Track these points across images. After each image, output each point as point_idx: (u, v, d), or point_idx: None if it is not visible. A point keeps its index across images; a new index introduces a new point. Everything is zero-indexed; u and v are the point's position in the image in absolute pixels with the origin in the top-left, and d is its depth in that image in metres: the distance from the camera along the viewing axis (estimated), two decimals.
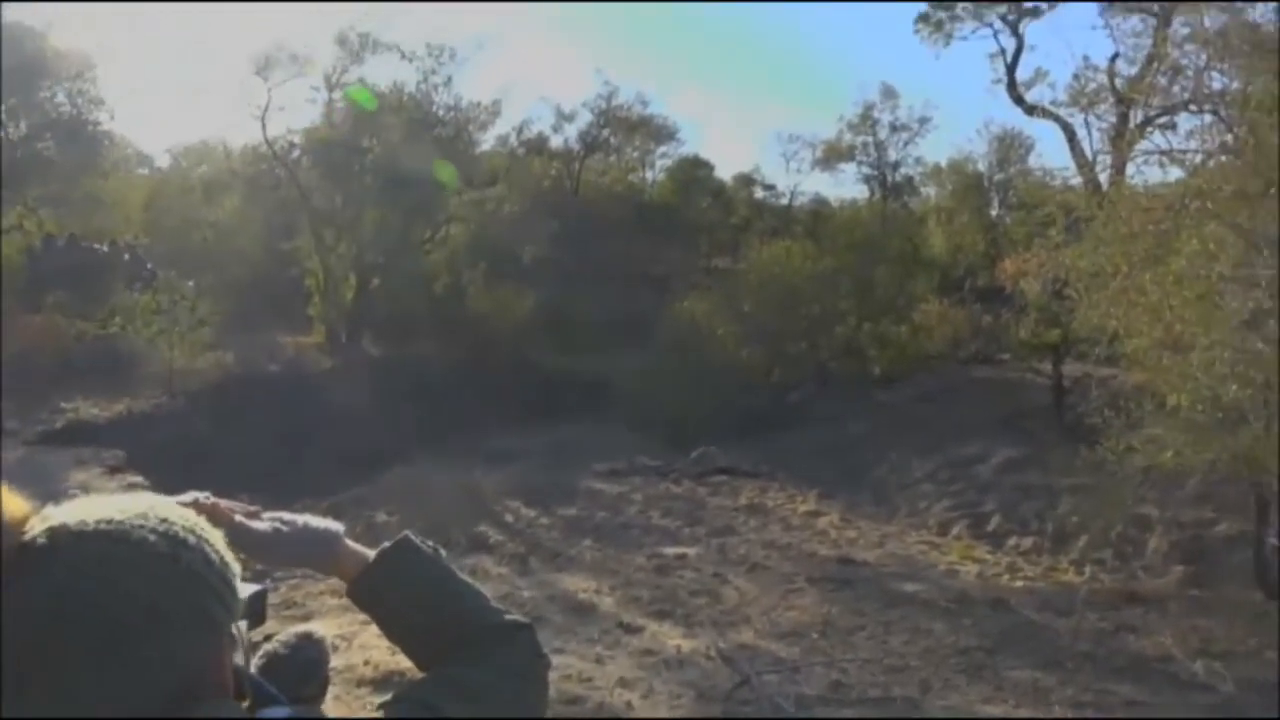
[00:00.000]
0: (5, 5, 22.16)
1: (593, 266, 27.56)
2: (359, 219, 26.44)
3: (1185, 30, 11.54)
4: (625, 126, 34.00)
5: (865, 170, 35.04)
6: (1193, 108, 10.50)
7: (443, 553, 1.18)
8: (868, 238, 26.59)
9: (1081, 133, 20.41)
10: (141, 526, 0.84)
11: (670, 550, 12.20)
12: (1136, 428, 10.27)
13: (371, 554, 1.16)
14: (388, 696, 1.02)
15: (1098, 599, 10.11)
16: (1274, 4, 9.53)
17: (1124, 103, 15.83)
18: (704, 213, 35.33)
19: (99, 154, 26.17)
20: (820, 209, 36.75)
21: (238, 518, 1.06)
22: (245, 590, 0.99)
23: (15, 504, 0.83)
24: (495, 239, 27.96)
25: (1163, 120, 11.91)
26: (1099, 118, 19.44)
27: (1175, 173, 10.59)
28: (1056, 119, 21.49)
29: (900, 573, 11.46)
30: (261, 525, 1.09)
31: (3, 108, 23.58)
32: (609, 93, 32.60)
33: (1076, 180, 18.83)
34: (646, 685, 7.55)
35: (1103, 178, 16.38)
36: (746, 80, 72.52)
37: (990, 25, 25.11)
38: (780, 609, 9.71)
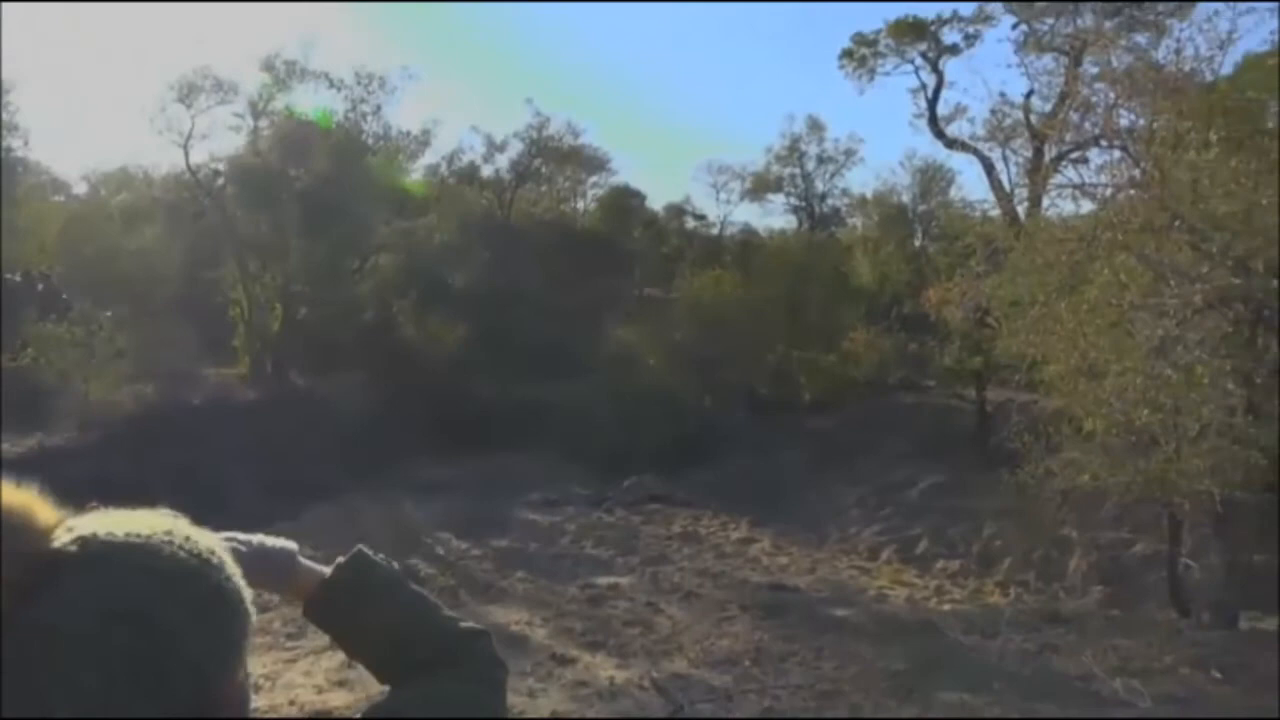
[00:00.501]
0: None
1: (525, 296, 27.45)
2: (285, 247, 25.92)
3: (1095, 69, 12.07)
4: (557, 156, 34.03)
5: (793, 201, 35.86)
6: (1103, 143, 10.89)
7: (395, 565, 1.19)
8: (796, 267, 27.04)
9: (1000, 166, 21.15)
10: (170, 543, 0.85)
11: (604, 580, 12.15)
12: (1055, 452, 10.59)
13: (327, 570, 1.16)
14: None
15: (1022, 620, 10.36)
16: (1175, 45, 9.98)
17: (1038, 138, 16.46)
18: (636, 242, 35.51)
19: (13, 181, 25.34)
20: (750, 239, 37.33)
21: None
22: None
23: (45, 511, 0.83)
24: (426, 268, 27.71)
25: (1075, 155, 12.33)
26: (1015, 152, 20.27)
27: (1087, 206, 10.94)
28: (976, 153, 22.12)
29: (831, 598, 11.57)
30: None
31: None
32: (540, 123, 32.67)
33: (996, 212, 19.48)
34: (580, 717, 7.49)
35: (1020, 209, 16.94)
36: (676, 114, 73.68)
37: (911, 62, 25.92)
38: (713, 637, 9.71)
